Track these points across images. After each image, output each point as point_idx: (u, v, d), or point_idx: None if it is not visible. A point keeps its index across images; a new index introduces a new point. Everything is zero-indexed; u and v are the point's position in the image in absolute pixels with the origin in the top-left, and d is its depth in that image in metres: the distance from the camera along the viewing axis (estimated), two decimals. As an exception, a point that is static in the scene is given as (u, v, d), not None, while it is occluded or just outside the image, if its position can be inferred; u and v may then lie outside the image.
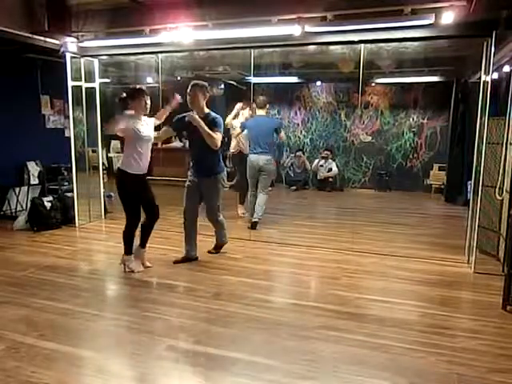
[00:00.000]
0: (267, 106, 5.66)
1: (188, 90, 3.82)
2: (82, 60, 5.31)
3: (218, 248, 4.36)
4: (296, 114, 9.53)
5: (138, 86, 3.76)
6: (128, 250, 3.79)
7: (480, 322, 2.90)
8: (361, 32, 4.04)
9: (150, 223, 3.83)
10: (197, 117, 3.75)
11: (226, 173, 4.07)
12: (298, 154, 9.17)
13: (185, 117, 3.82)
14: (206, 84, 3.90)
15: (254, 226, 5.27)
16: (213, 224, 4.18)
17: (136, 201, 3.74)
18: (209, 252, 4.31)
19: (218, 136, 3.79)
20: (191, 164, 4.04)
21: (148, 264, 3.91)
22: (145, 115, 3.75)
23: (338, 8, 3.96)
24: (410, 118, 8.77)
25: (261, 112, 5.55)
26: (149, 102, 3.69)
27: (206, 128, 3.72)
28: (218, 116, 3.87)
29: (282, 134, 5.71)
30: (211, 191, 3.98)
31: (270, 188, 5.65)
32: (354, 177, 9.25)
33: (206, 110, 3.87)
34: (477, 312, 3.07)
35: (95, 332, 2.73)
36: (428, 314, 3.02)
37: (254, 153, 5.37)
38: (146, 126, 3.72)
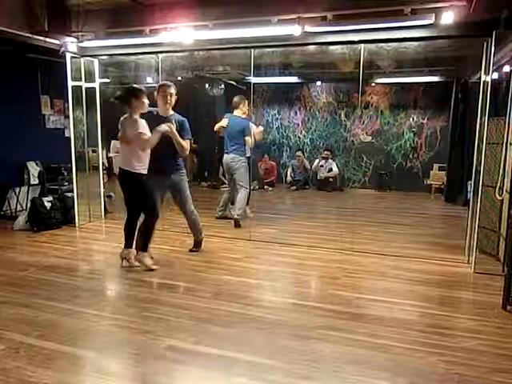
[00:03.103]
0: (242, 105, 5.61)
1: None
2: (82, 60, 5.31)
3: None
4: (296, 113, 9.53)
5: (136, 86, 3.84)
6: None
7: (480, 322, 2.90)
8: (361, 32, 4.04)
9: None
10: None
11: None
12: (297, 153, 9.17)
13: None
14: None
15: (236, 224, 5.42)
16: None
17: None
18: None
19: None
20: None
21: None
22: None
23: (338, 8, 3.96)
24: (410, 118, 8.77)
25: (236, 112, 5.62)
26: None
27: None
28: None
29: (247, 138, 5.54)
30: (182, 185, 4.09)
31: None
32: (354, 177, 9.26)
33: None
34: (477, 312, 3.07)
35: (95, 332, 2.72)
36: (428, 314, 3.02)
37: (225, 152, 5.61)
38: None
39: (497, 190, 3.92)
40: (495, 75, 4.51)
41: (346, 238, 4.86)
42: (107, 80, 6.88)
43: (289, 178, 9.05)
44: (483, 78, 3.92)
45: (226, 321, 2.86)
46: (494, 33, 3.59)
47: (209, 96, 8.27)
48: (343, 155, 9.21)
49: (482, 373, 2.29)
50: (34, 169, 6.08)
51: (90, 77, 5.46)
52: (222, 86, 8.32)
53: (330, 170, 8.88)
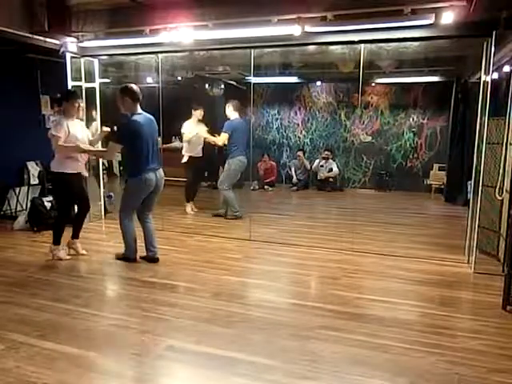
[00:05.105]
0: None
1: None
2: (82, 60, 5.31)
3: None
4: (296, 114, 9.53)
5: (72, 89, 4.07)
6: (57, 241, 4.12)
7: (480, 321, 2.90)
8: (361, 32, 4.04)
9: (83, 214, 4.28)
10: None
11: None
12: (298, 153, 9.17)
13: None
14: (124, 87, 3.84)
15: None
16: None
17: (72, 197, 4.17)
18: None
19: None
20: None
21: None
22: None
23: (338, 8, 3.95)
24: (410, 118, 8.76)
25: (237, 115, 5.91)
26: (82, 105, 4.07)
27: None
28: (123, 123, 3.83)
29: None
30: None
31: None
32: (354, 177, 9.25)
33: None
34: (477, 312, 3.07)
35: (95, 332, 2.73)
36: (428, 314, 3.02)
37: (243, 154, 5.89)
38: (80, 129, 4.08)
39: (497, 190, 3.92)
40: (495, 75, 4.51)
41: (345, 238, 4.86)
42: (107, 80, 6.88)
43: (295, 180, 9.05)
44: (483, 78, 3.92)
45: (226, 321, 2.86)
46: (493, 33, 3.60)
47: (209, 96, 8.27)
48: (343, 155, 9.21)
49: (481, 373, 2.29)
50: (34, 169, 6.07)
51: (90, 77, 5.46)
52: (222, 86, 8.32)
53: (331, 170, 8.87)
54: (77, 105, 4.00)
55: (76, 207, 4.29)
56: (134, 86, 3.81)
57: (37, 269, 3.84)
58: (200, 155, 6.34)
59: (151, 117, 3.93)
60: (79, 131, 4.06)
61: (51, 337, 2.61)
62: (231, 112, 5.86)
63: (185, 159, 6.25)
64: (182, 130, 6.21)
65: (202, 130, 6.17)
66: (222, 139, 5.87)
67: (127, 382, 2.25)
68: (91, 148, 4.14)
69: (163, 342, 2.56)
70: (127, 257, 4.05)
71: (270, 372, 2.27)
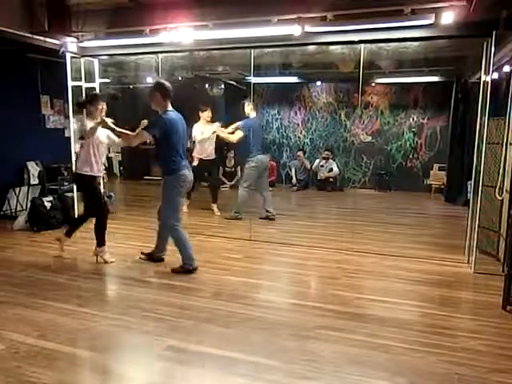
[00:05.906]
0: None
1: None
2: (82, 60, 5.32)
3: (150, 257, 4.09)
4: (296, 114, 9.53)
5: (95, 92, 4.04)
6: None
7: (480, 321, 2.90)
8: (361, 32, 4.05)
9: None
10: None
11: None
12: (298, 153, 9.18)
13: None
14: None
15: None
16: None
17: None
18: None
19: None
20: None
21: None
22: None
23: (338, 8, 3.96)
24: (410, 118, 8.77)
25: (254, 113, 5.86)
26: (105, 107, 4.02)
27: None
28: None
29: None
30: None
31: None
32: (354, 177, 9.25)
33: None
34: (477, 312, 3.07)
35: (95, 332, 2.72)
36: (428, 314, 3.02)
37: (263, 153, 5.89)
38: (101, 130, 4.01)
39: (497, 190, 3.92)
40: (495, 75, 4.51)
41: (346, 238, 4.86)
42: (107, 80, 6.89)
43: (294, 180, 9.05)
44: (483, 78, 3.92)
45: (226, 321, 2.86)
46: (493, 33, 3.60)
47: (209, 96, 8.27)
48: (343, 155, 9.21)
49: (482, 373, 2.29)
50: (34, 169, 6.07)
51: (89, 77, 5.46)
52: (222, 85, 8.32)
53: (331, 170, 8.88)
54: (100, 107, 3.99)
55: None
56: (167, 83, 3.72)
57: (37, 269, 3.83)
58: (210, 158, 6.19)
59: (180, 115, 3.78)
60: (101, 133, 4.01)
61: (51, 337, 2.60)
62: (250, 110, 5.79)
63: (195, 162, 6.09)
64: (193, 133, 6.02)
65: (215, 128, 5.96)
66: (237, 137, 5.74)
67: (127, 382, 2.25)
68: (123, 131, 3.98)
69: (163, 342, 2.56)
70: (188, 268, 3.78)
71: (270, 372, 2.27)
